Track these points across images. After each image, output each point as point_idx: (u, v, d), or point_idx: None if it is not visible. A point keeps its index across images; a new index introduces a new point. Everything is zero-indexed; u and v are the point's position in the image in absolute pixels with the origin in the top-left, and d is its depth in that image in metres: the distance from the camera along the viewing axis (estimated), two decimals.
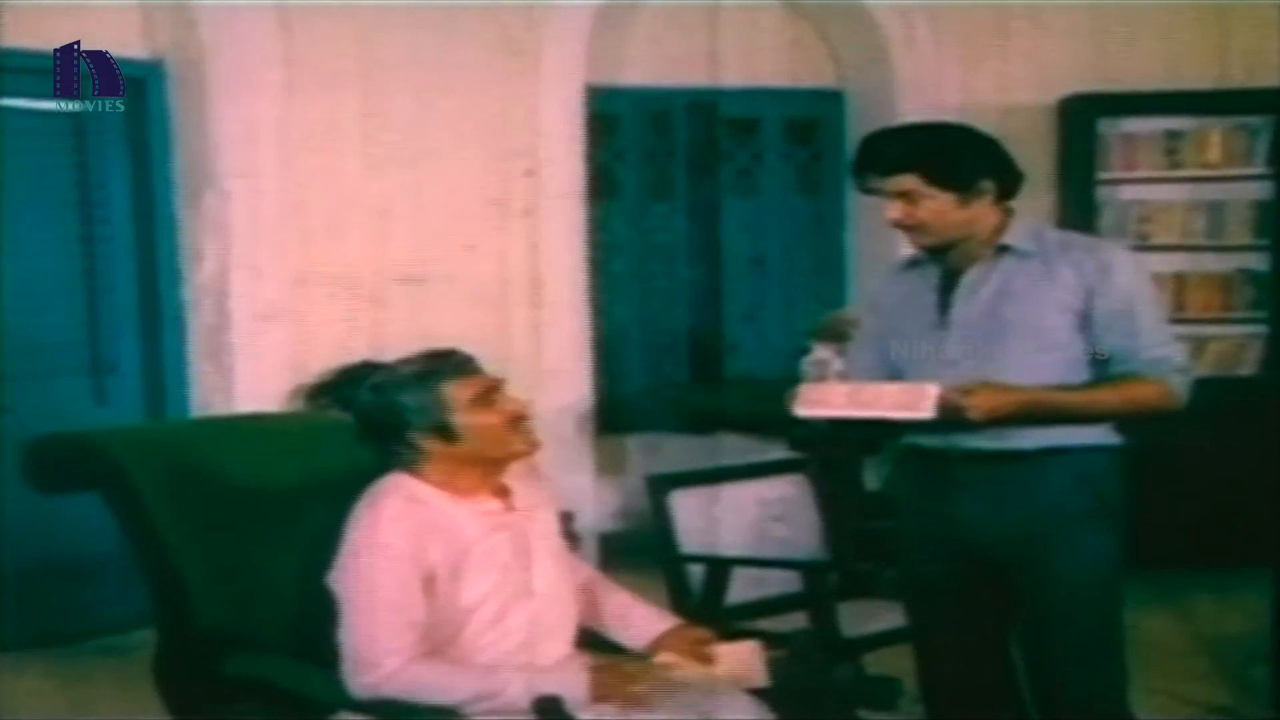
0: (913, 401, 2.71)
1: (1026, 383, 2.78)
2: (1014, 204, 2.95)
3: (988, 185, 2.86)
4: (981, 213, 2.87)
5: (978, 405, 2.69)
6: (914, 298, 2.97)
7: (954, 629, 3.03)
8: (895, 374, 2.97)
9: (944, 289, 2.92)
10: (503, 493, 2.75)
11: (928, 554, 3.01)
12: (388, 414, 2.68)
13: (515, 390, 2.74)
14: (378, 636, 2.56)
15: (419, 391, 2.66)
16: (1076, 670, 2.92)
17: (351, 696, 2.59)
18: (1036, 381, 2.80)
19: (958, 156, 2.88)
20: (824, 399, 2.82)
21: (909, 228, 2.87)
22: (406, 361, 2.72)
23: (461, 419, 2.65)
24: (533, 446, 2.73)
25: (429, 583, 2.60)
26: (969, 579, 2.96)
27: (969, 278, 2.89)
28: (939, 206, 2.84)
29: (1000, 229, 2.90)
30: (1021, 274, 2.86)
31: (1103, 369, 2.85)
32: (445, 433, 2.65)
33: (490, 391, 2.68)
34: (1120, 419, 2.90)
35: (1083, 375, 2.85)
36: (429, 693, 2.55)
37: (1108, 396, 2.82)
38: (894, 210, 2.86)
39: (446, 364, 2.69)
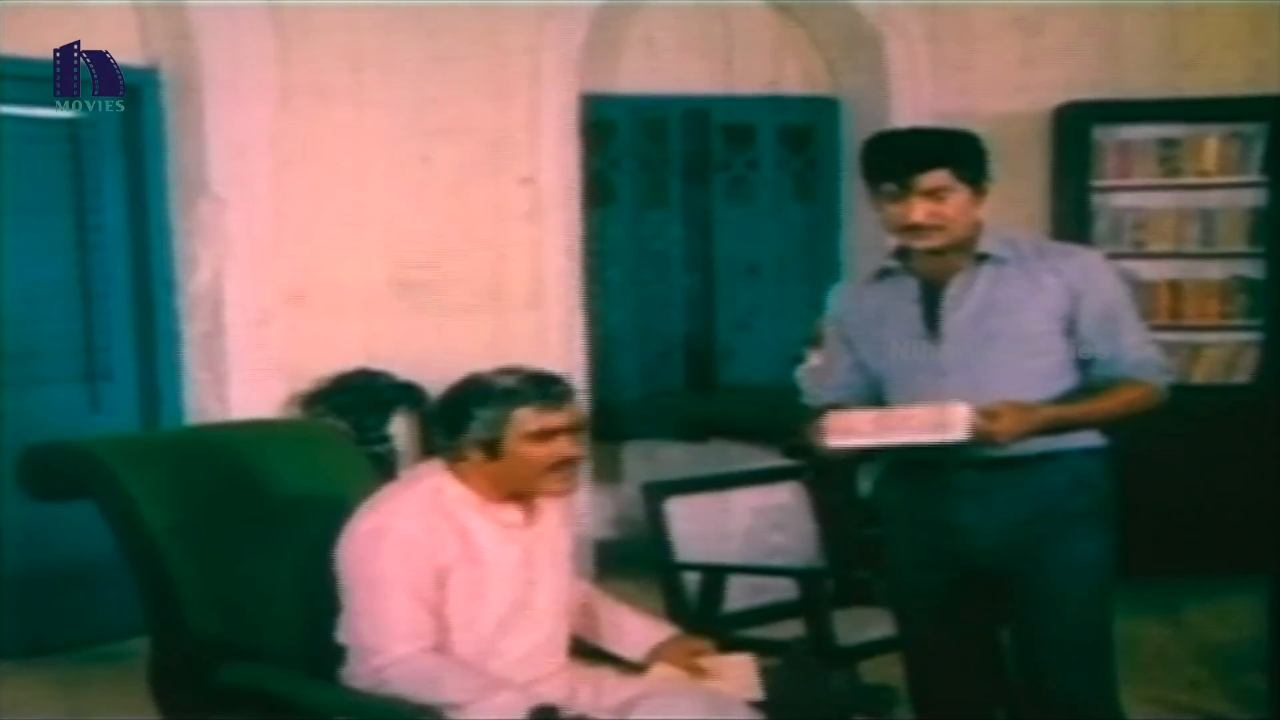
0: (944, 423, 2.72)
1: (1020, 390, 2.80)
2: (1008, 210, 2.96)
3: (988, 185, 2.90)
4: (979, 214, 2.89)
5: (1005, 430, 2.72)
6: (893, 310, 2.96)
7: (946, 636, 3.03)
8: (875, 388, 2.99)
9: (928, 301, 2.92)
10: (529, 508, 2.77)
11: (919, 562, 3.01)
12: (456, 411, 2.70)
13: None
14: (390, 621, 2.57)
15: (494, 405, 2.67)
16: (1072, 671, 2.93)
17: (351, 689, 2.61)
18: (1029, 388, 2.82)
19: (977, 153, 2.91)
20: (852, 428, 2.81)
21: (930, 228, 2.85)
22: (509, 372, 2.73)
23: (513, 445, 2.66)
24: (568, 490, 2.75)
25: (440, 579, 2.61)
26: (961, 586, 2.97)
27: (954, 288, 2.89)
28: (962, 203, 2.85)
29: (975, 238, 2.91)
30: (1004, 282, 2.88)
31: (1086, 372, 2.88)
32: (491, 450, 2.67)
33: (558, 431, 2.69)
34: (1117, 423, 2.92)
35: (1069, 379, 2.88)
36: (436, 686, 2.54)
37: (1108, 404, 2.85)
38: (917, 211, 2.83)
39: (536, 389, 2.69)
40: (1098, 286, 2.87)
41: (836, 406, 2.94)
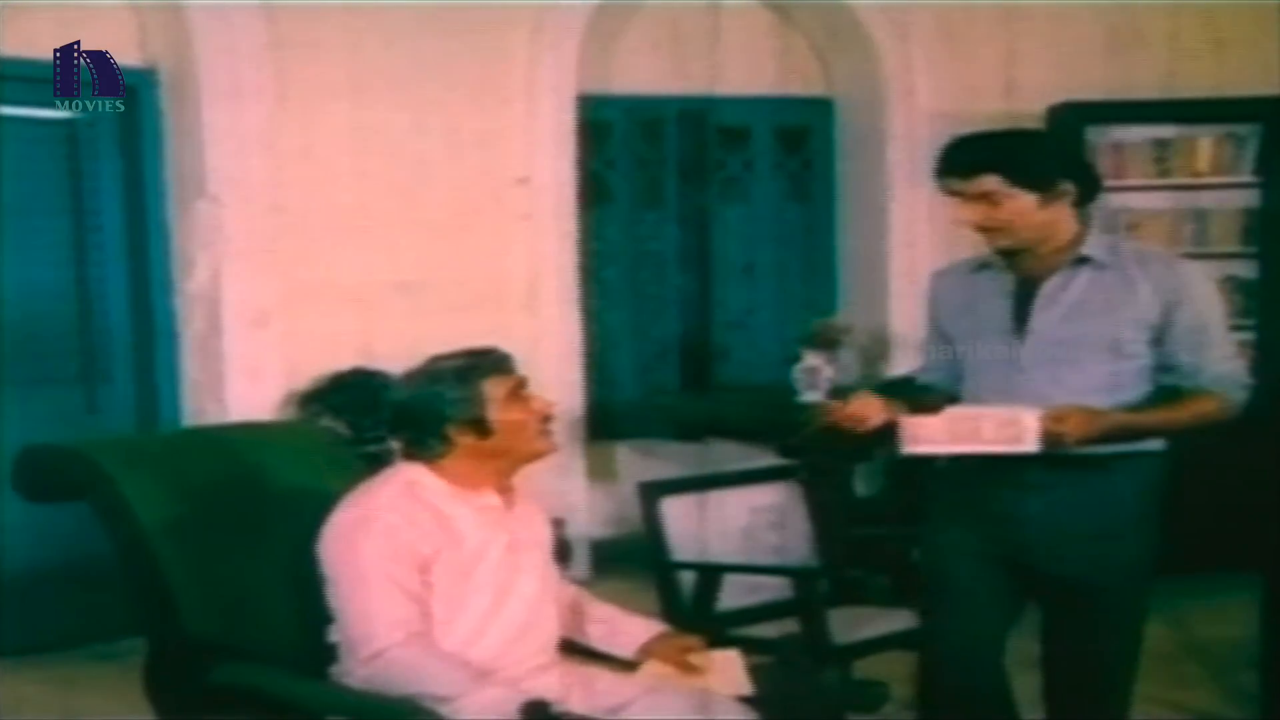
0: (1015, 435, 2.75)
1: (1096, 392, 2.82)
2: None
3: (1068, 187, 2.89)
4: (1062, 216, 2.90)
5: (1072, 434, 2.74)
6: (985, 302, 2.98)
7: (974, 628, 3.02)
8: (959, 375, 3.02)
9: (1020, 297, 2.93)
10: (506, 491, 2.79)
11: (964, 551, 2.99)
12: (426, 405, 2.71)
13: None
14: (375, 610, 2.59)
15: (459, 386, 2.70)
16: (1104, 673, 2.97)
17: (343, 687, 2.62)
18: (1106, 390, 2.84)
19: (1037, 157, 2.92)
20: (927, 436, 2.83)
21: (990, 230, 2.88)
22: (447, 357, 2.76)
23: (496, 415, 2.70)
24: (555, 447, 2.80)
25: (424, 569, 2.63)
26: (1004, 578, 2.97)
27: (1048, 287, 2.91)
28: (1021, 207, 2.86)
29: (1079, 239, 2.92)
30: (1099, 286, 2.89)
31: (1165, 378, 2.89)
32: (480, 427, 2.70)
33: (520, 388, 2.75)
34: (1185, 432, 2.93)
35: (1146, 385, 2.89)
36: (425, 678, 2.55)
37: (1179, 414, 2.88)
38: (974, 213, 2.87)
39: (485, 361, 2.75)
40: (1193, 299, 2.87)
41: (928, 389, 3.05)
